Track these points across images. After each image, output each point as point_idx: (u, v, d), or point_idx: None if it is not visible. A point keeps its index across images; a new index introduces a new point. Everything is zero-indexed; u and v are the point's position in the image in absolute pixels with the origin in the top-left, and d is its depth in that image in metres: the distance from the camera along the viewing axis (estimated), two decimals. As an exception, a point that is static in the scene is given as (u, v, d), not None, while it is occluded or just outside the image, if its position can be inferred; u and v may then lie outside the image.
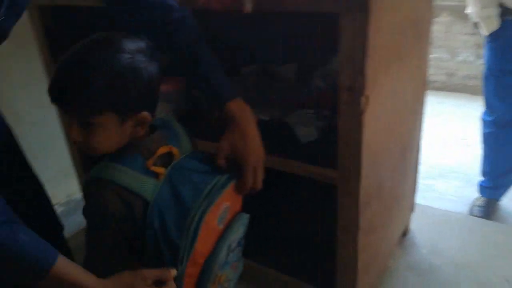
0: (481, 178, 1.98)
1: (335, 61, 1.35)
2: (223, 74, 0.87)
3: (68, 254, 1.02)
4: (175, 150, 0.79)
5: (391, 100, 1.10)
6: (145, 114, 0.73)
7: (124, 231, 0.74)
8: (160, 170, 0.75)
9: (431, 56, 1.40)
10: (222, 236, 0.80)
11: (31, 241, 0.64)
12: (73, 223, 1.78)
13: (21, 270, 0.63)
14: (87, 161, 1.58)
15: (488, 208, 1.94)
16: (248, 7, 0.91)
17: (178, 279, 0.73)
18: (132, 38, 0.72)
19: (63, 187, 1.95)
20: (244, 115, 0.85)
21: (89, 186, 0.74)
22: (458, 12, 3.20)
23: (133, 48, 0.70)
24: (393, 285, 1.43)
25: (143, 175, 0.73)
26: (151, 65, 0.72)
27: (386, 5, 0.90)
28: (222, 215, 0.80)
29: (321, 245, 1.36)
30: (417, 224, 1.69)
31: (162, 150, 0.77)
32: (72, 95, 0.68)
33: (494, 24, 1.63)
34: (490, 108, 1.83)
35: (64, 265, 0.65)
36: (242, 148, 0.82)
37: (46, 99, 0.70)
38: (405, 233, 1.64)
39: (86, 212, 0.75)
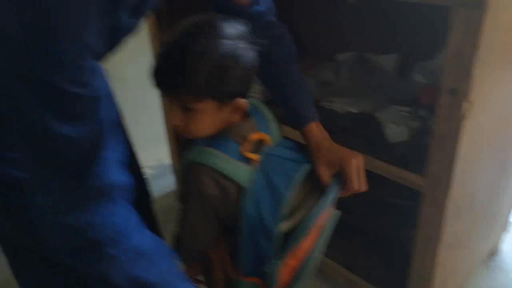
0: None
1: (441, 57, 1.25)
2: (308, 95, 0.89)
3: (155, 224, 1.07)
4: (266, 137, 0.79)
5: (498, 107, 0.99)
6: (243, 100, 0.74)
7: (219, 215, 0.76)
8: (254, 156, 0.75)
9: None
10: (321, 232, 0.81)
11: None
12: (159, 187, 1.90)
13: None
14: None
15: None
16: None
17: (273, 266, 0.75)
18: (233, 23, 0.71)
19: (154, 152, 2.07)
20: (324, 135, 0.86)
21: (186, 171, 0.75)
22: None
23: (234, 34, 0.69)
24: (470, 305, 1.32)
25: (237, 160, 0.74)
26: (251, 52, 0.71)
27: (506, 1, 0.80)
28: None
29: (397, 251, 1.30)
30: (509, 245, 1.53)
31: (254, 136, 0.77)
32: (175, 82, 0.69)
33: None
34: None
35: None
36: (336, 160, 0.81)
37: (150, 66, 0.72)
38: (493, 252, 1.50)
39: (182, 196, 0.78)
